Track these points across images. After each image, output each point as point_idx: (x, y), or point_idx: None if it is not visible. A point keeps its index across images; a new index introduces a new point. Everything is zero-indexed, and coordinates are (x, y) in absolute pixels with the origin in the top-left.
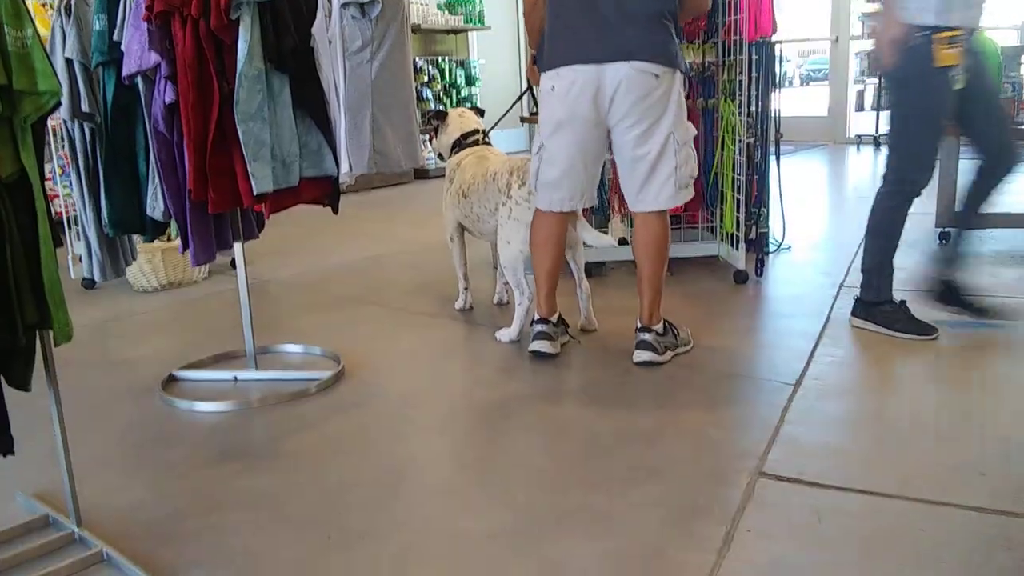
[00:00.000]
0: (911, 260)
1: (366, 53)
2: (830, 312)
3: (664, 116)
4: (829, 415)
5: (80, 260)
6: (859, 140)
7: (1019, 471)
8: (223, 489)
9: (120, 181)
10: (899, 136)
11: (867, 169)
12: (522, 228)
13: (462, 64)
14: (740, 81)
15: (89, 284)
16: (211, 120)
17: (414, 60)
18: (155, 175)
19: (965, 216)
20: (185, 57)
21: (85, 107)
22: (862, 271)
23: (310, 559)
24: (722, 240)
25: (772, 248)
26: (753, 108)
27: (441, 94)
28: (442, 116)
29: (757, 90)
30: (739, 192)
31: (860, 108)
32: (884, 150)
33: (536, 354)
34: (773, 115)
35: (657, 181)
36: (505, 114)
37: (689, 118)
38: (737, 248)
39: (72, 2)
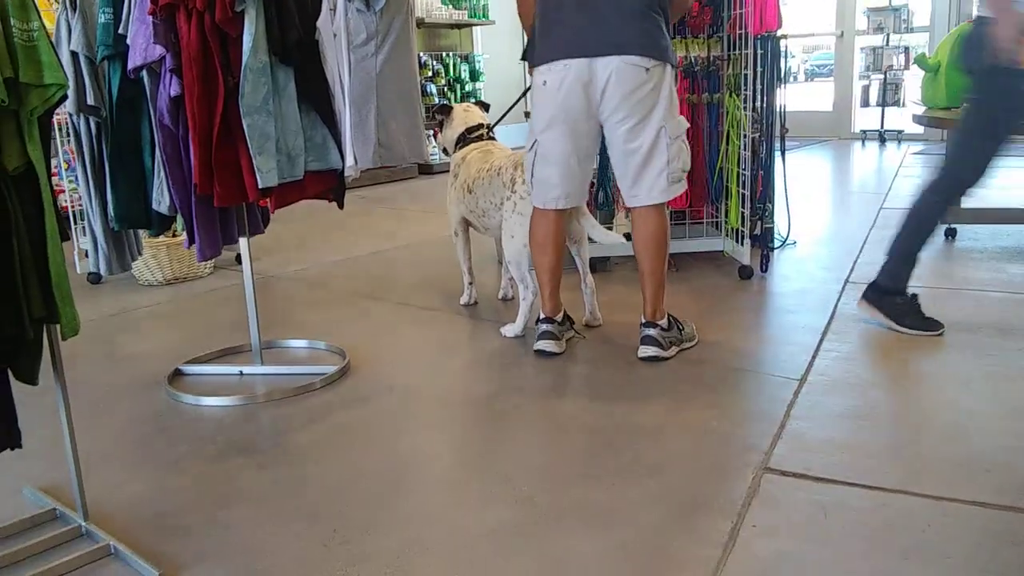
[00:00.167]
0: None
1: (371, 46)
2: (835, 307)
3: (655, 110)
4: (834, 410)
5: (86, 255)
6: (864, 136)
7: None
8: (229, 483)
9: (126, 175)
10: (971, 134)
11: (872, 165)
12: (526, 222)
13: (466, 59)
14: (745, 76)
15: (95, 279)
16: (216, 113)
17: (418, 55)
18: (160, 169)
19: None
20: (190, 50)
21: (91, 100)
22: (887, 254)
23: (315, 553)
24: (727, 236)
25: (777, 244)
26: (758, 103)
27: (445, 89)
28: (447, 111)
29: (762, 85)
30: (744, 187)
31: (865, 104)
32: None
33: (541, 353)
34: (778, 110)
35: (650, 175)
36: (510, 109)
37: (694, 113)
38: (742, 243)
39: None
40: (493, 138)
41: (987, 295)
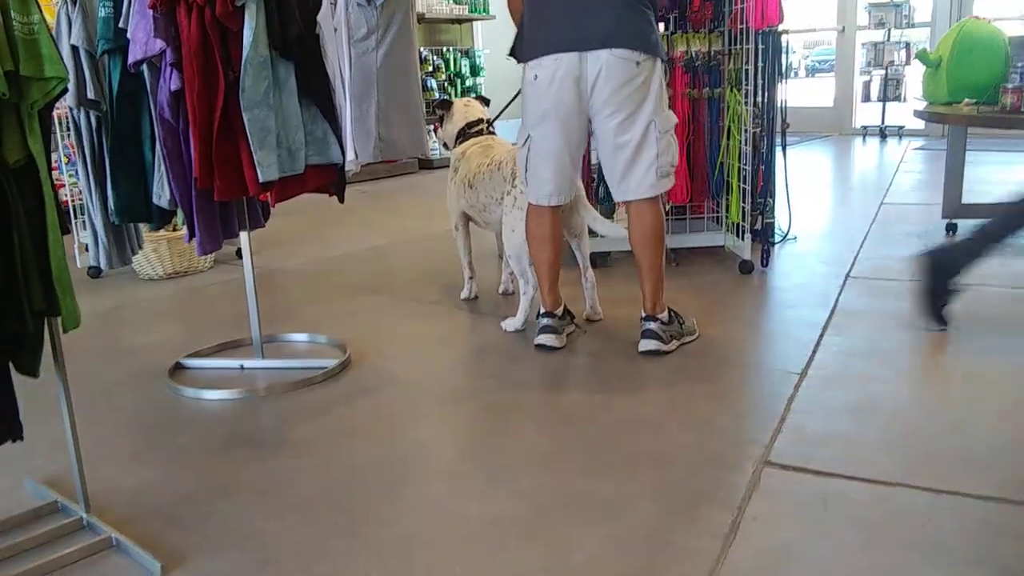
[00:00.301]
0: (918, 251)
1: (371, 41)
2: (836, 302)
3: (645, 104)
4: (835, 404)
5: (86, 249)
6: (865, 131)
7: None
8: (231, 475)
9: (126, 169)
10: None
11: (872, 161)
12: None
13: (466, 54)
14: (746, 71)
15: (95, 273)
16: (216, 108)
17: (419, 49)
18: (161, 163)
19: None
20: (190, 44)
21: (91, 95)
22: (972, 229)
23: (317, 543)
24: (727, 230)
25: (777, 239)
26: (759, 98)
27: (446, 84)
28: (447, 105)
29: (763, 80)
30: (745, 182)
31: (866, 99)
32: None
33: (541, 347)
34: (779, 105)
35: (639, 169)
36: (509, 104)
37: (695, 108)
38: (743, 238)
39: None
40: (493, 133)
41: (989, 290)
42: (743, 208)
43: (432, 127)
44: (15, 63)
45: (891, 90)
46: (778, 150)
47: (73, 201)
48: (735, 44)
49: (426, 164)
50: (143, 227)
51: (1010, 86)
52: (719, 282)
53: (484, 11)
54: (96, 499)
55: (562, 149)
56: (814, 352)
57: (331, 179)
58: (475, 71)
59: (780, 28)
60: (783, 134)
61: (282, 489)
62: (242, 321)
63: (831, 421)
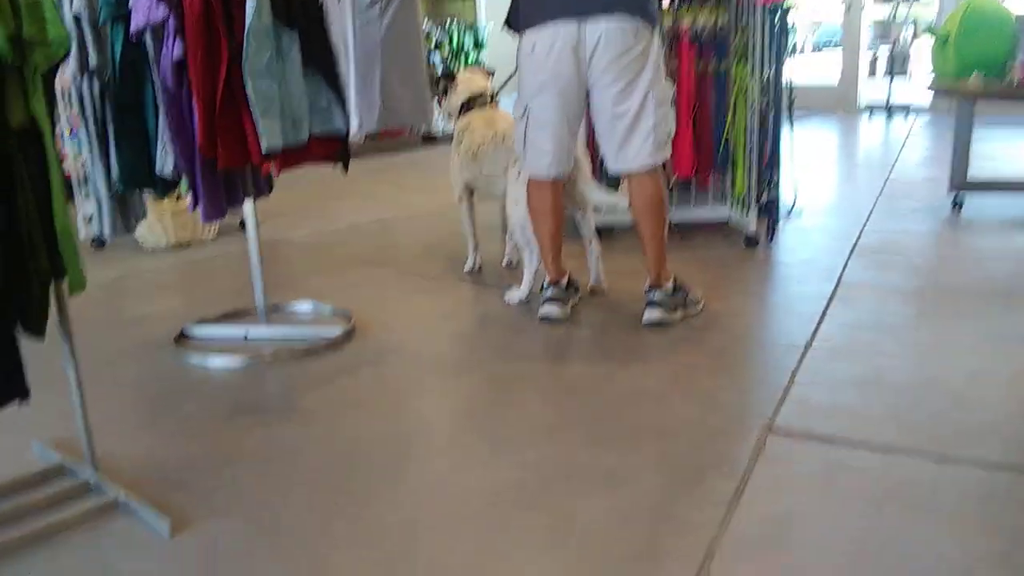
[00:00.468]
0: (924, 225)
1: (375, 9)
2: (841, 275)
3: (643, 73)
4: (840, 375)
5: (90, 221)
6: (870, 109)
7: None
8: (237, 441)
9: (129, 138)
10: None
11: (878, 138)
12: None
13: (470, 28)
14: (753, 44)
15: (99, 244)
16: (219, 76)
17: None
18: (164, 132)
19: None
20: (193, 12)
21: (93, 63)
22: None
23: (323, 508)
24: (733, 205)
25: (783, 213)
26: (766, 72)
27: (450, 58)
28: (451, 78)
29: (770, 54)
30: (751, 156)
31: (872, 74)
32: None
33: (546, 319)
34: (786, 79)
35: (636, 140)
36: (509, 79)
37: (701, 81)
38: (748, 213)
39: None
40: (496, 106)
41: (993, 263)
42: (749, 182)
43: (436, 100)
44: (18, 25)
45: (898, 66)
46: (785, 124)
47: (77, 173)
48: (742, 18)
49: (429, 139)
50: (147, 196)
51: (1018, 62)
52: (724, 256)
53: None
54: (103, 464)
55: (560, 120)
56: (819, 325)
57: (335, 149)
58: (479, 45)
59: (786, 3)
60: (790, 107)
61: (287, 457)
62: (246, 291)
63: (836, 392)
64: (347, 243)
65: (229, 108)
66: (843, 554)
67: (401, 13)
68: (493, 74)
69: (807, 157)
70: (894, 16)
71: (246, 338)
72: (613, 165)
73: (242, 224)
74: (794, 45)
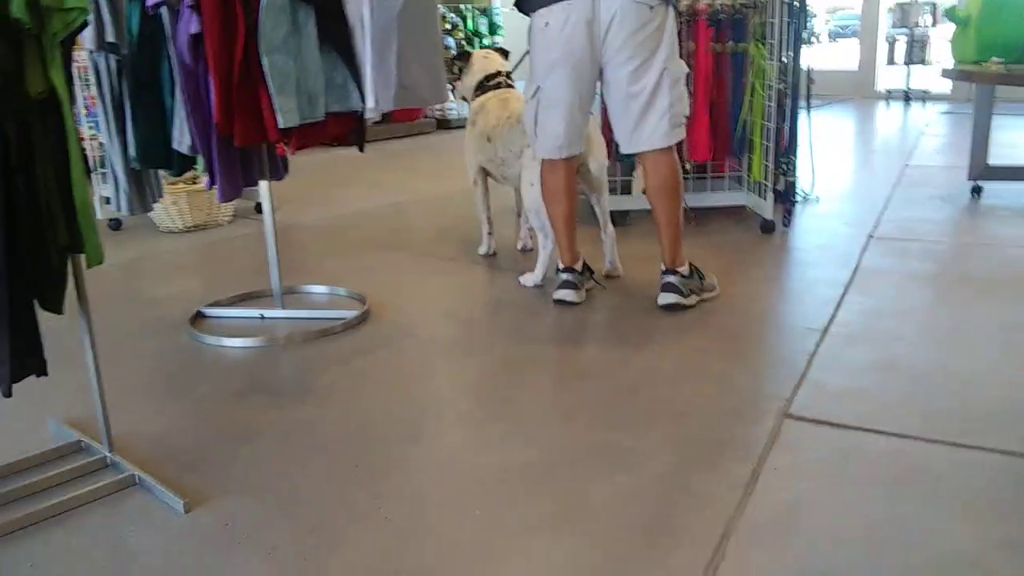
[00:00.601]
0: (942, 212)
1: None
2: (858, 262)
3: (658, 50)
4: (857, 361)
5: (107, 201)
6: (888, 95)
7: None
8: (251, 420)
9: (146, 114)
10: None
11: (896, 124)
12: None
13: (484, 12)
14: (772, 24)
15: (115, 225)
16: (236, 52)
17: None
18: (181, 108)
19: None
20: None
21: (110, 37)
22: None
23: (337, 487)
24: (749, 190)
25: (799, 199)
26: (784, 54)
27: (464, 42)
28: (466, 58)
29: (788, 33)
30: (768, 140)
31: (891, 62)
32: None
33: (560, 303)
34: (804, 61)
35: (652, 119)
36: (522, 59)
37: (718, 62)
38: (764, 197)
39: None
40: (512, 86)
41: (1013, 250)
42: (765, 166)
43: (451, 86)
44: None
45: (916, 52)
46: (802, 109)
47: (93, 154)
48: None
49: (443, 124)
50: (163, 175)
51: None
52: (740, 241)
53: None
54: (118, 441)
55: (573, 99)
56: (836, 310)
57: (351, 127)
58: (493, 29)
59: None
60: (808, 90)
61: (302, 435)
62: (261, 273)
63: (853, 377)
64: (361, 227)
65: (246, 84)
66: (858, 540)
67: None
68: (508, 55)
69: (824, 143)
70: (914, 1)
71: (262, 318)
72: (627, 146)
73: (257, 207)
74: (812, 32)
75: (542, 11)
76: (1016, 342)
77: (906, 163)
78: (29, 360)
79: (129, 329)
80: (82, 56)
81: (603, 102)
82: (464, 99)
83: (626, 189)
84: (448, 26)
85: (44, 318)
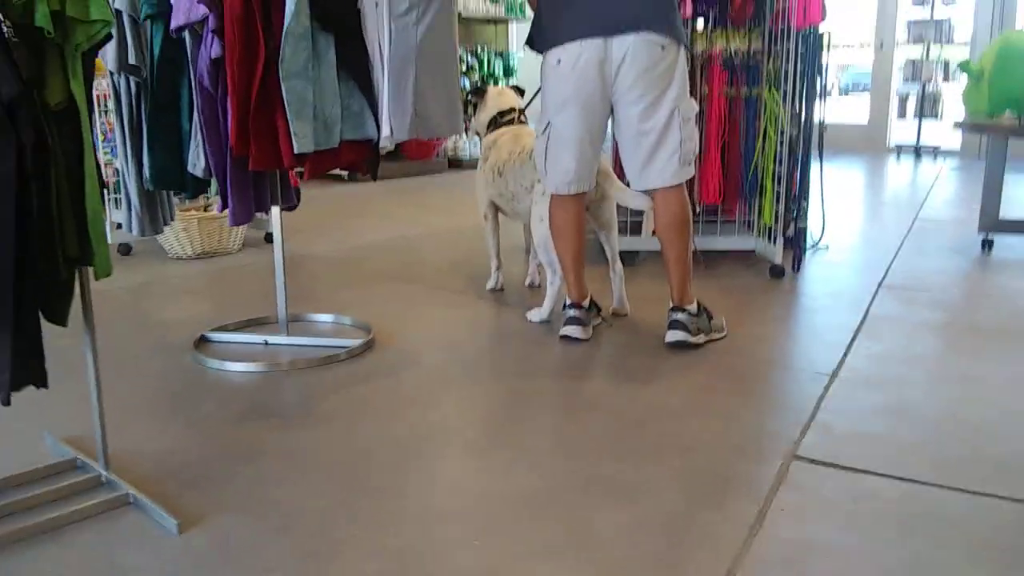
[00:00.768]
0: (953, 264)
1: (412, 16)
2: (868, 308)
3: (669, 89)
4: (867, 405)
5: (118, 227)
6: (899, 150)
7: None
8: (250, 443)
9: (163, 136)
10: None
11: (906, 178)
12: None
13: (501, 55)
14: (786, 71)
15: (125, 250)
16: (255, 76)
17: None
18: (198, 131)
19: None
20: (233, 11)
21: (132, 60)
22: None
23: (336, 510)
24: (759, 235)
25: (809, 245)
26: (797, 101)
27: (479, 84)
28: (481, 93)
29: (803, 82)
30: (779, 185)
31: (902, 115)
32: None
33: (567, 338)
34: (818, 107)
35: (662, 157)
36: (537, 92)
37: (732, 106)
38: (774, 243)
39: None
40: (524, 122)
41: (1022, 304)
42: (776, 211)
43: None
44: (61, 3)
45: (928, 107)
46: (814, 158)
47: (107, 182)
48: (776, 43)
49: (455, 163)
50: (176, 200)
51: None
52: (749, 285)
53: (520, 13)
54: (116, 459)
55: (583, 136)
56: (845, 355)
57: (365, 155)
58: (508, 72)
59: (821, 28)
60: (821, 136)
61: (302, 458)
62: (268, 300)
63: (863, 421)
64: (370, 259)
65: (263, 109)
66: None
67: (437, 22)
68: (523, 92)
69: (835, 194)
70: (925, 56)
71: (266, 344)
72: (637, 183)
73: (268, 236)
74: (824, 86)
75: (555, 49)
76: None
77: (916, 215)
78: (30, 370)
79: (132, 350)
80: (102, 84)
81: (614, 139)
82: (477, 134)
83: (636, 229)
84: (464, 67)
85: (48, 336)
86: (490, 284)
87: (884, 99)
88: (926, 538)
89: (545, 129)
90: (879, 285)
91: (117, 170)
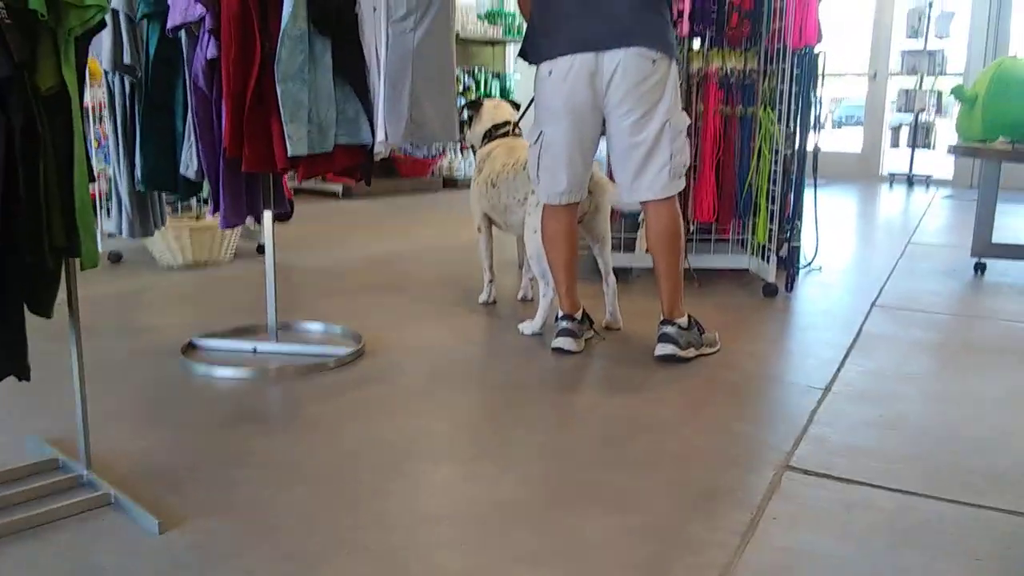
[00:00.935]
0: (945, 286)
1: (410, 21)
2: (861, 327)
3: (660, 102)
4: (860, 419)
5: (108, 236)
6: (892, 178)
7: None
8: (236, 447)
9: (156, 136)
10: None
11: (899, 206)
12: None
13: (498, 76)
14: (781, 90)
15: (115, 258)
16: (251, 77)
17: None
18: (191, 133)
19: None
20: (229, 11)
21: (127, 59)
22: None
23: (321, 514)
24: (752, 253)
25: (802, 267)
26: (793, 120)
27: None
28: (477, 106)
29: (798, 101)
30: (774, 203)
31: (895, 144)
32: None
33: (559, 350)
34: (812, 124)
35: (652, 169)
36: (531, 103)
37: (727, 125)
38: (768, 261)
39: None
40: (519, 135)
41: (1015, 325)
42: (770, 230)
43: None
44: None
45: (921, 137)
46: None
47: (100, 189)
48: (771, 63)
49: (450, 182)
50: (168, 207)
51: None
52: (742, 304)
53: (518, 34)
54: (98, 460)
55: (574, 146)
56: (838, 370)
57: (359, 161)
58: (505, 93)
59: (817, 48)
60: (815, 156)
61: (287, 463)
62: (259, 308)
63: (856, 434)
64: (363, 271)
65: (258, 111)
66: None
67: (435, 27)
68: (519, 106)
69: (828, 218)
70: (919, 87)
71: (255, 351)
72: (627, 195)
73: (259, 248)
74: (819, 104)
75: (547, 61)
76: (1021, 409)
77: (909, 240)
78: (12, 362)
79: (119, 354)
80: (97, 95)
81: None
82: (472, 147)
83: (629, 246)
84: (461, 88)
85: (34, 339)
86: (483, 297)
87: (877, 128)
88: (920, 548)
89: (537, 139)
90: (872, 305)
91: (109, 179)
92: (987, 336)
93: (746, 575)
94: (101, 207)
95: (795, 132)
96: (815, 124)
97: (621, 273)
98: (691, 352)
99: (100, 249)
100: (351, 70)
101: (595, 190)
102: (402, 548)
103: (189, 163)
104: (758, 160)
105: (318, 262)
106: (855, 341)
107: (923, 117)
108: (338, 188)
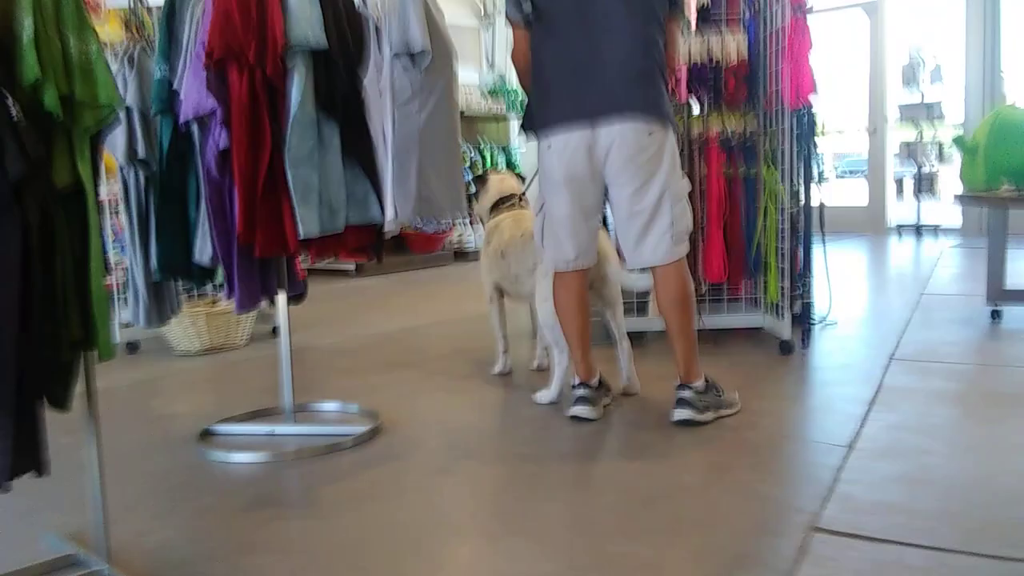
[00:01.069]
0: (963, 335)
1: (415, 104)
2: (881, 381)
3: (658, 172)
4: (887, 475)
5: (125, 326)
6: (900, 229)
7: None
8: (254, 534)
9: (170, 226)
10: None
11: (909, 256)
12: None
13: (504, 149)
14: (782, 150)
15: (132, 348)
16: (262, 164)
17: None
18: (205, 220)
19: None
20: (240, 102)
21: (141, 153)
22: None
23: None
24: (766, 311)
25: (816, 321)
26: (795, 177)
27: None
28: (483, 180)
29: (800, 159)
30: (783, 261)
31: (900, 195)
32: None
33: (576, 419)
34: (816, 179)
35: (653, 236)
36: (534, 177)
37: (731, 186)
38: (782, 318)
39: (136, 53)
40: (525, 207)
41: None
42: (781, 288)
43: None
44: (70, 87)
45: (925, 187)
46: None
47: (117, 281)
48: (771, 124)
49: (461, 255)
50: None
51: None
52: (759, 362)
53: (522, 110)
54: (117, 553)
55: (577, 216)
56: (861, 426)
57: (370, 239)
58: (511, 166)
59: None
60: (821, 212)
61: (307, 547)
62: (275, 391)
63: (884, 491)
64: (377, 348)
65: (269, 196)
66: None
67: (440, 108)
68: (524, 179)
69: (839, 272)
70: (920, 139)
71: (272, 434)
72: (631, 260)
73: (274, 330)
74: (821, 172)
75: (546, 135)
76: None
77: (922, 291)
78: (30, 456)
79: (136, 444)
80: (113, 189)
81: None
82: (480, 219)
83: (642, 309)
84: (467, 162)
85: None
86: (497, 368)
87: (881, 182)
88: None
89: (541, 209)
90: (891, 358)
91: (125, 269)
92: (1009, 384)
93: None
94: (118, 298)
95: (799, 189)
96: (819, 179)
97: (635, 337)
98: (709, 415)
99: (117, 340)
100: (359, 151)
101: (601, 261)
102: None
103: (203, 250)
104: (765, 218)
105: (333, 341)
106: (876, 395)
107: (926, 168)
108: (351, 266)
